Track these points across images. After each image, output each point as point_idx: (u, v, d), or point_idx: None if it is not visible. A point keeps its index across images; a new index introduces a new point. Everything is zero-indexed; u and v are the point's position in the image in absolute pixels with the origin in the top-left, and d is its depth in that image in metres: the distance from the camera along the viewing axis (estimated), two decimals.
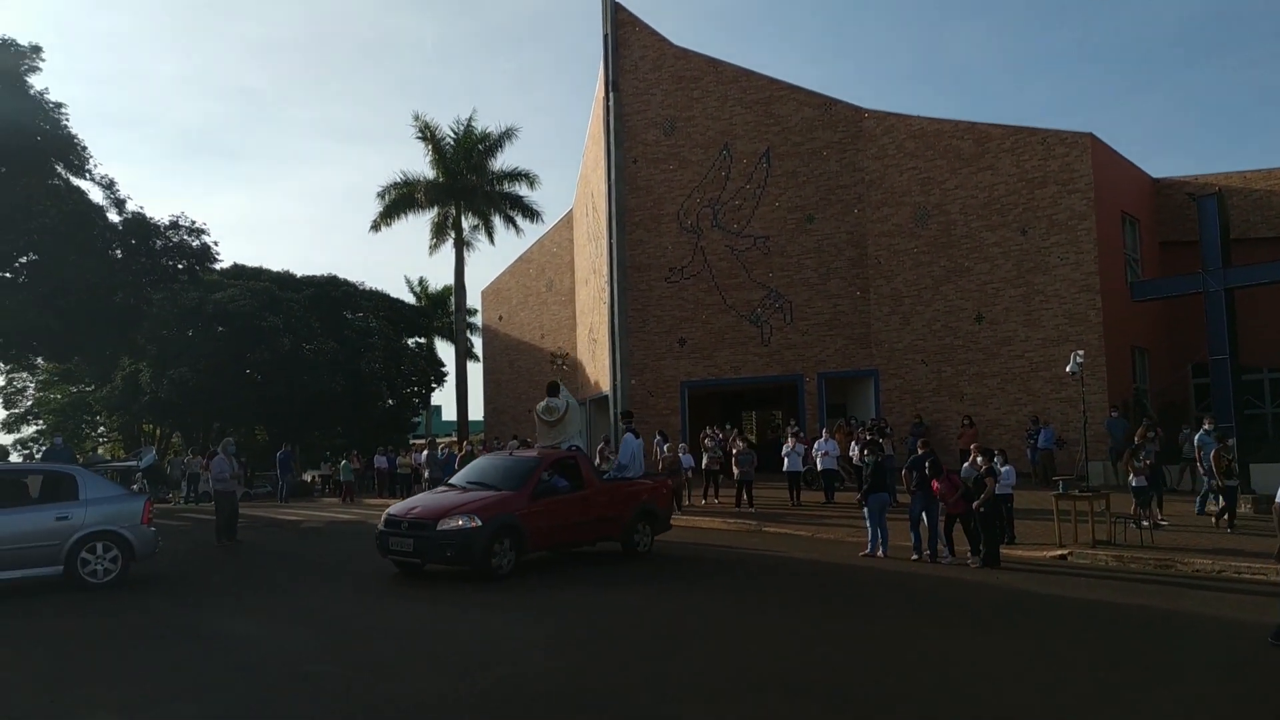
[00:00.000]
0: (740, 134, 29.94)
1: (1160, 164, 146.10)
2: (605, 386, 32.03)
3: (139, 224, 25.73)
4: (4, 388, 47.56)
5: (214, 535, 17.94)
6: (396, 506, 14.08)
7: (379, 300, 44.73)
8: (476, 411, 43.77)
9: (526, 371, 40.06)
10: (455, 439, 41.51)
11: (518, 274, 41.64)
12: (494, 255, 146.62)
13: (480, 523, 12.66)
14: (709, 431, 23.58)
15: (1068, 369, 20.54)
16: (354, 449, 34.61)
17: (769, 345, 29.55)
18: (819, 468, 21.97)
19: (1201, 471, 17.61)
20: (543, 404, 16.41)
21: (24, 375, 45.93)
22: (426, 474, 27.54)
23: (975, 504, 13.65)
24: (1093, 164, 25.16)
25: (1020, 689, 7.32)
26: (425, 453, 29.73)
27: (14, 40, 22.52)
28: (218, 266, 31.37)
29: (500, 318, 42.15)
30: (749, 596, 11.74)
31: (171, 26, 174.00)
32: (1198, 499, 17.60)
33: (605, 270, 31.52)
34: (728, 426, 28.09)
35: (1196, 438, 18.40)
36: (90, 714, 6.94)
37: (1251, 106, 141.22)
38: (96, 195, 25.29)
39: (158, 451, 35.93)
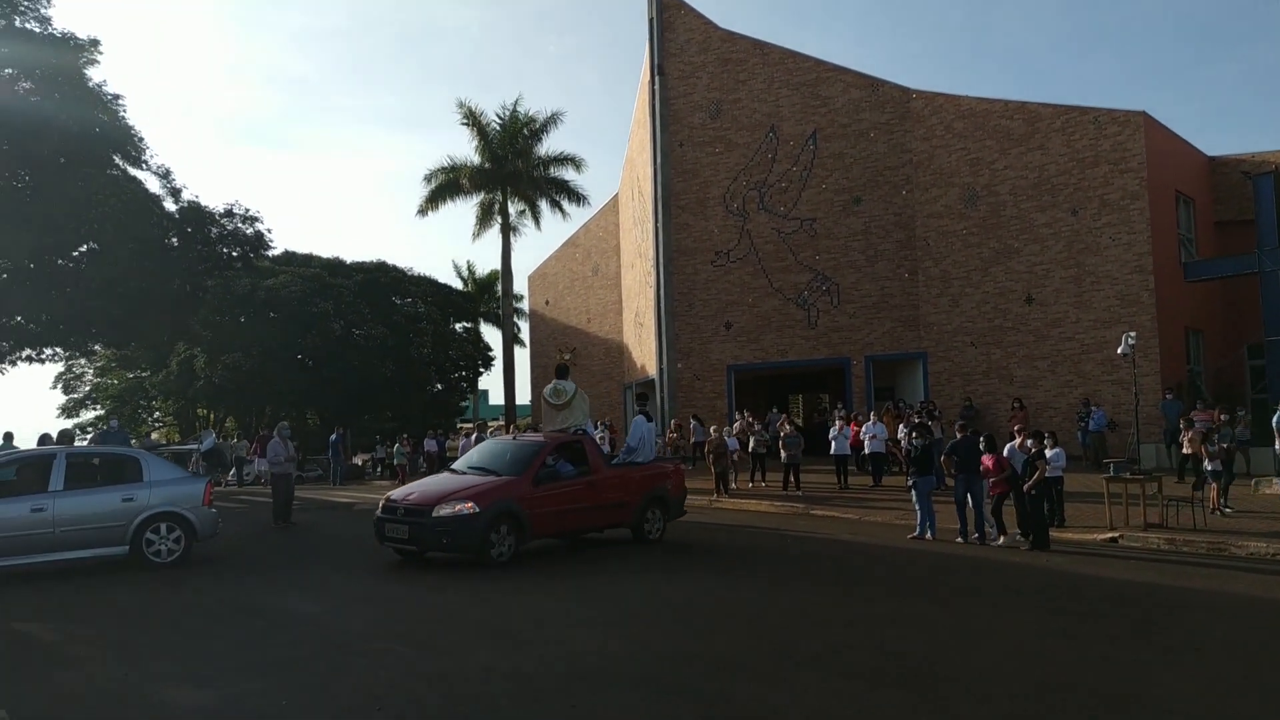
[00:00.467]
0: (786, 116, 29.83)
1: (1215, 141, 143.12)
2: (652, 370, 32.16)
3: (195, 212, 26.23)
4: (63, 374, 48.79)
5: (270, 517, 18.32)
6: (395, 491, 13.76)
7: (427, 286, 45.17)
8: (524, 396, 44.10)
9: (573, 356, 40.26)
10: (503, 423, 41.90)
11: (564, 258, 41.83)
12: (541, 240, 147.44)
13: (477, 509, 12.34)
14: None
15: (1120, 351, 20.33)
16: (404, 433, 35.08)
17: (815, 328, 29.49)
18: (867, 451, 21.95)
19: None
20: (550, 386, 15.88)
21: (82, 361, 47.02)
22: None
23: (1026, 486, 13.63)
24: (1146, 143, 24.76)
25: (1067, 668, 7.35)
26: (474, 436, 30.05)
27: (73, 34, 23.00)
28: (269, 253, 31.86)
29: (547, 302, 42.39)
30: (795, 578, 11.80)
31: (219, 16, 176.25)
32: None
33: (651, 254, 31.60)
34: (774, 410, 28.12)
35: (1275, 420, 18.08)
36: (165, 687, 7.21)
37: None
38: (153, 185, 25.84)
39: (196, 437, 36.64)
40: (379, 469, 35.83)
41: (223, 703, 6.75)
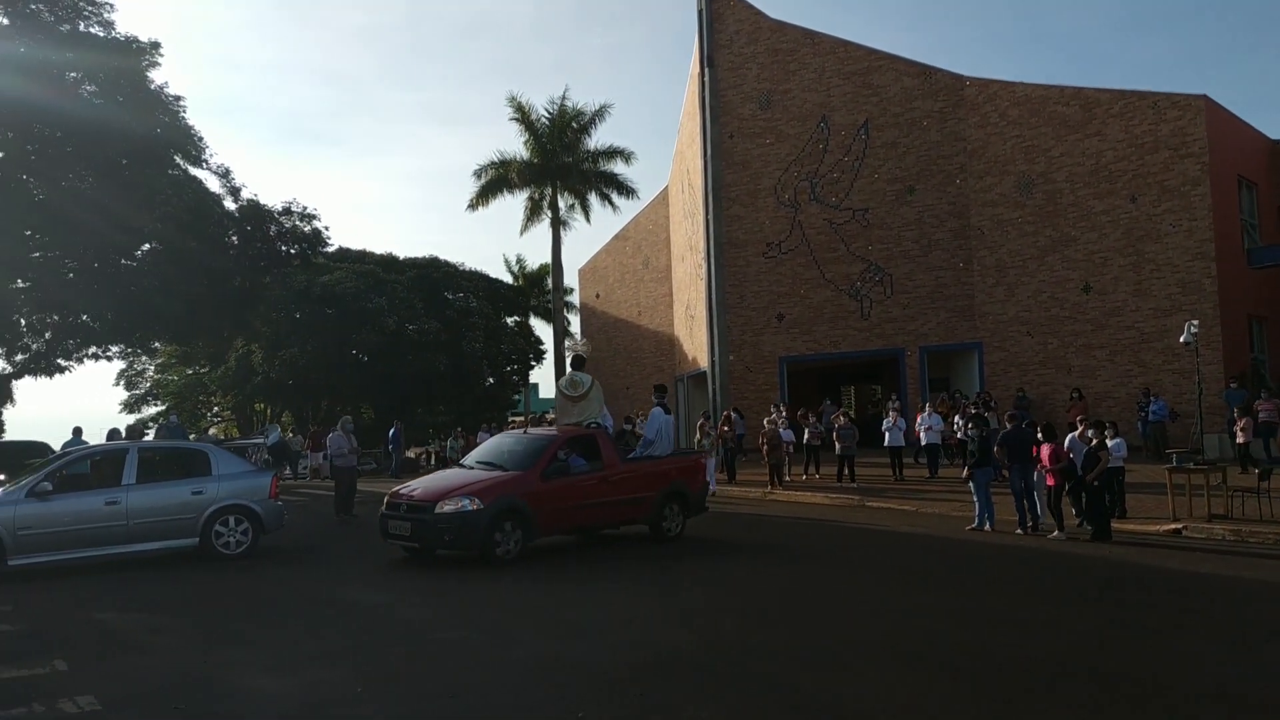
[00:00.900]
0: (838, 106, 29.65)
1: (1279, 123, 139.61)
2: (703, 363, 32.18)
3: (254, 211, 26.67)
4: (125, 370, 49.91)
5: (332, 510, 18.60)
6: (401, 487, 13.48)
7: (478, 280, 45.56)
8: None
9: (625, 349, 40.42)
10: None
11: (614, 252, 41.94)
12: (591, 233, 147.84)
13: (481, 505, 11.98)
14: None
15: (1181, 339, 20.01)
16: (458, 426, 35.44)
17: (869, 319, 29.32)
18: (922, 442, 21.81)
19: None
20: (566, 378, 15.30)
21: (143, 358, 48.08)
22: None
23: (1089, 477, 13.49)
24: (1207, 127, 24.30)
25: (1132, 660, 7.31)
26: (524, 430, 30.21)
27: (135, 37, 23.49)
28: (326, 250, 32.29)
29: (597, 296, 42.55)
30: (855, 569, 11.80)
31: (275, 14, 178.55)
32: None
33: (702, 247, 31.59)
34: (827, 402, 28.00)
35: None
36: (245, 674, 7.41)
37: None
38: (213, 184, 26.29)
39: (262, 431, 37.26)
40: (433, 462, 36.21)
41: (302, 690, 6.93)
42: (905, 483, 20.74)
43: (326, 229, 28.81)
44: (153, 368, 50.48)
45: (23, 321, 25.42)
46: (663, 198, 38.94)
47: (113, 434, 19.19)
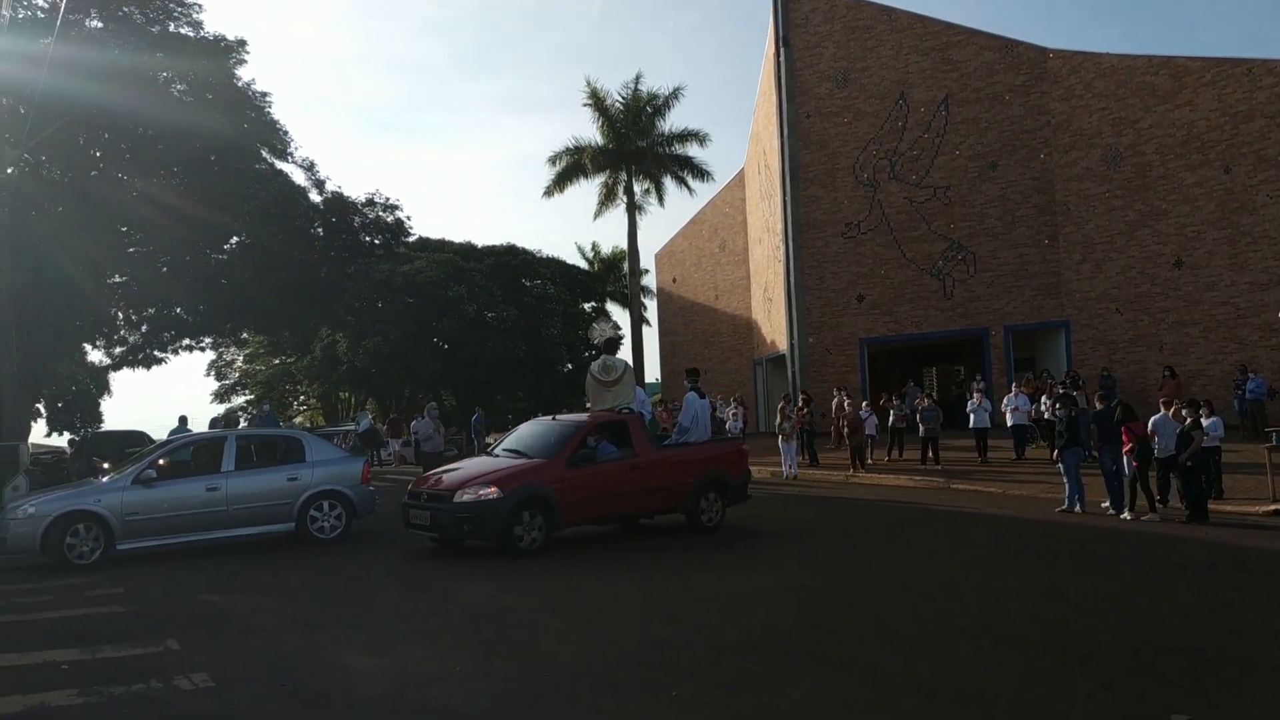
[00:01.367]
0: (916, 82, 29.19)
1: None
2: (782, 346, 32.03)
3: (338, 203, 27.24)
4: (214, 361, 51.52)
5: None
6: (426, 475, 13.33)
7: (555, 267, 45.92)
8: (652, 374, 44.47)
9: (702, 333, 40.39)
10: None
11: (690, 235, 41.89)
12: (665, 217, 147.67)
13: (500, 493, 11.63)
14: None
15: None
16: (539, 412, 35.77)
17: (951, 299, 28.89)
18: (1009, 423, 21.43)
19: None
20: (599, 362, 14.77)
21: (233, 349, 49.59)
22: None
23: (1182, 458, 13.17)
24: None
25: (1238, 641, 7.15)
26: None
27: (223, 36, 24.11)
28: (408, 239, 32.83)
29: (674, 280, 42.56)
30: (946, 550, 11.67)
31: (347, 8, 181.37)
32: None
33: (779, 228, 31.40)
34: (910, 383, 27.67)
35: None
36: (345, 653, 7.65)
37: None
38: (299, 177, 26.92)
39: (353, 418, 38.11)
40: None
41: (399, 668, 7.13)
42: (991, 464, 20.44)
43: (409, 219, 29.35)
44: (241, 358, 52.03)
45: (120, 315, 26.36)
46: (739, 180, 38.77)
47: (214, 423, 19.80)
